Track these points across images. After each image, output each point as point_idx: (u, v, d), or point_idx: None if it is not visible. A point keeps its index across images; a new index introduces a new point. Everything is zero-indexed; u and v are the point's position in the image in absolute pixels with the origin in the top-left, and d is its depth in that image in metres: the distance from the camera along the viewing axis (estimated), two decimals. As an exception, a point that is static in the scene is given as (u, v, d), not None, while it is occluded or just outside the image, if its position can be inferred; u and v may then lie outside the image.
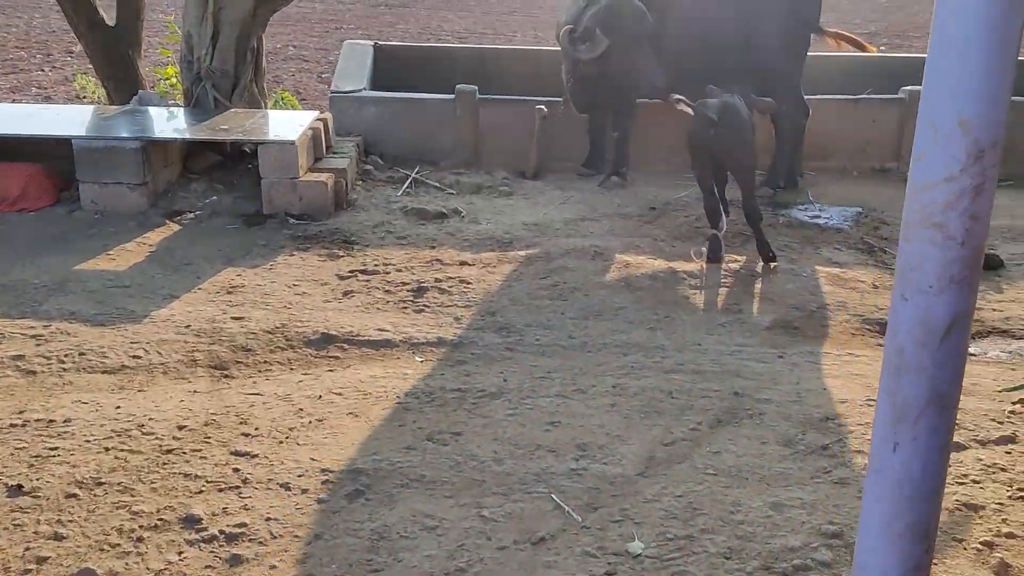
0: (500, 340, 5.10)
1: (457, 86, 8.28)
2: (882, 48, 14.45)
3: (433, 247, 6.40)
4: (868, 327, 5.47)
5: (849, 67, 9.26)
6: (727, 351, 5.06)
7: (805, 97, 7.92)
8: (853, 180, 8.29)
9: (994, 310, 5.71)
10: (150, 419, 4.10)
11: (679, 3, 7.60)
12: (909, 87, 8.50)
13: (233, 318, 5.20)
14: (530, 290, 5.74)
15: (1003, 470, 3.85)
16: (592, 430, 4.15)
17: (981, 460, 3.92)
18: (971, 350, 5.24)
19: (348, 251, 6.29)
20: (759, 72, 7.51)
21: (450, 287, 5.75)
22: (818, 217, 7.33)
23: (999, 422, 4.27)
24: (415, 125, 8.29)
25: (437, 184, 7.74)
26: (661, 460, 3.91)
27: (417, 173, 7.88)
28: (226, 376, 4.64)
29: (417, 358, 4.88)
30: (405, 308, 5.49)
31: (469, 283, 5.81)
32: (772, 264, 6.18)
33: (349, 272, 5.93)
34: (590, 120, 8.13)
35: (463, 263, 6.13)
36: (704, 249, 6.20)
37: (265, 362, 4.80)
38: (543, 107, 8.02)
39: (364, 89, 8.41)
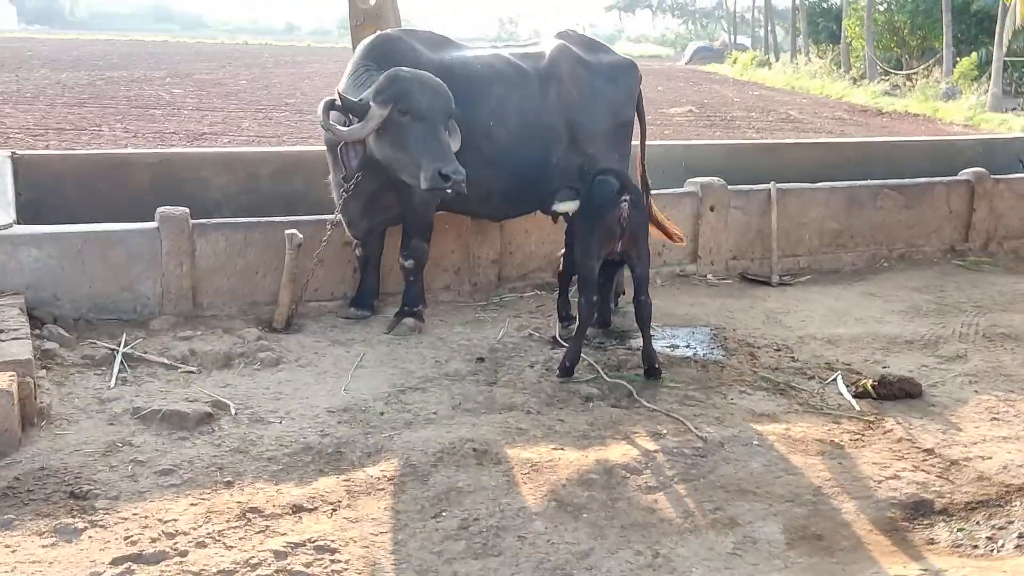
0: (467, 671, 2.92)
1: (160, 210, 5.78)
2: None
3: (228, 483, 3.96)
4: (892, 516, 4.02)
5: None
6: (789, 605, 3.32)
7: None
8: (661, 290, 6.98)
9: (983, 457, 4.55)
10: None
11: (488, 97, 5.84)
12: (698, 179, 7.42)
13: None
14: (436, 546, 3.58)
15: None
16: None
17: None
18: (1024, 529, 3.98)
19: (86, 515, 3.66)
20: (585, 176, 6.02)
21: (308, 566, 3.41)
22: (676, 347, 5.88)
23: None
24: (103, 271, 5.63)
25: (164, 360, 5.19)
26: None
27: (127, 346, 5.26)
28: None
29: None
30: (258, 630, 3.09)
31: (333, 550, 3.51)
32: (658, 378, 5.29)
33: (115, 566, 3.35)
34: (363, 245, 6.04)
35: (297, 509, 3.78)
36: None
37: None
38: (296, 231, 5.79)
39: (14, 224, 5.58)
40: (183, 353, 5.25)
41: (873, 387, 5.17)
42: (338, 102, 5.44)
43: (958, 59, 35.03)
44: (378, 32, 5.96)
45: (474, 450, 4.29)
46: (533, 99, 5.87)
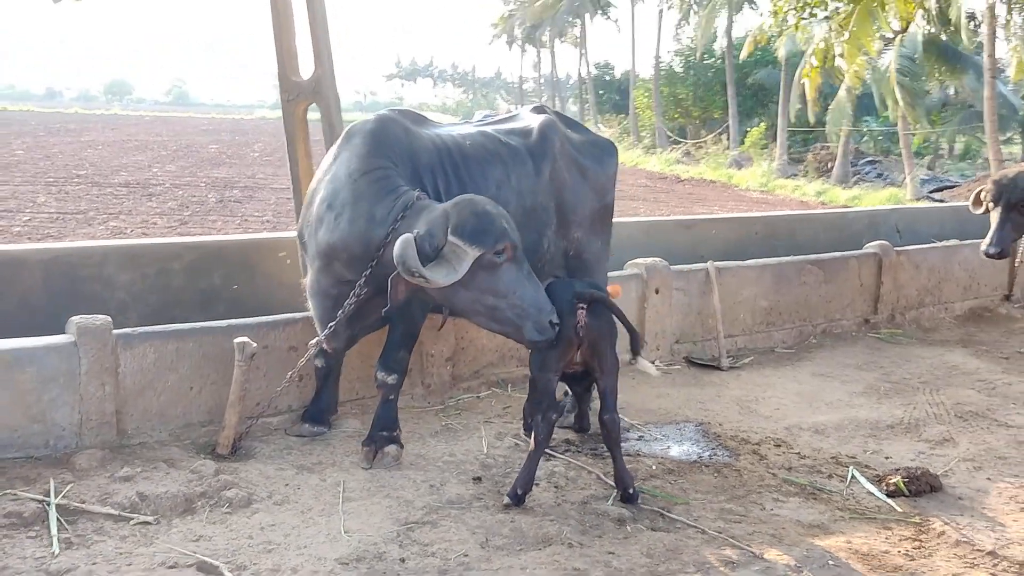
0: None
1: (75, 320, 4.76)
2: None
3: None
4: (1008, 638, 3.68)
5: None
6: None
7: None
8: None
9: (1046, 558, 4.31)
10: None
11: (488, 180, 5.12)
12: (640, 260, 7.05)
13: None
14: None
15: None
16: None
17: None
18: None
19: None
20: (571, 262, 5.50)
21: None
22: (669, 447, 5.42)
23: None
24: (7, 398, 4.54)
25: (109, 510, 4.18)
26: None
27: (58, 494, 4.21)
28: None
29: None
30: None
31: None
32: (635, 503, 4.61)
33: None
34: (328, 355, 5.21)
35: None
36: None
37: None
38: (247, 339, 4.92)
39: None
40: (130, 499, 4.25)
41: (905, 484, 4.89)
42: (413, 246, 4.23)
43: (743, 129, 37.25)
44: (377, 115, 5.07)
45: (548, 606, 3.62)
46: (529, 179, 5.24)
